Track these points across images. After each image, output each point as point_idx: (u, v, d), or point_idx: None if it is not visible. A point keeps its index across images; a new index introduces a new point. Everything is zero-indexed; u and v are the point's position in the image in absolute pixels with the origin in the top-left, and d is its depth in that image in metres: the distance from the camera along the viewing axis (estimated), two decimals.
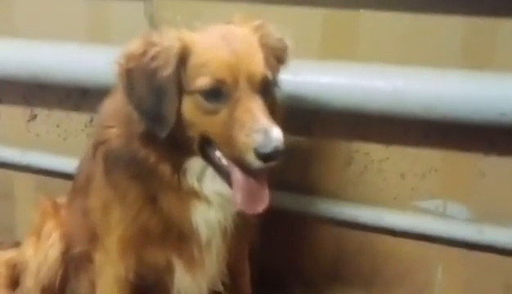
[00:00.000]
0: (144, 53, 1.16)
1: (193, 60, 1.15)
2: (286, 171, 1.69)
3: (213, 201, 1.26)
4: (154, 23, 1.75)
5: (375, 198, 1.65)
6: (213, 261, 1.36)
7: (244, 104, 1.12)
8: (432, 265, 1.64)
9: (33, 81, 1.92)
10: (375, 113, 1.54)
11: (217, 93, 1.13)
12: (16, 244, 1.80)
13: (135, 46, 1.18)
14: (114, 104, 1.26)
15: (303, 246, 1.76)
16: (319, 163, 1.70)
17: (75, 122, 1.99)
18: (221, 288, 1.43)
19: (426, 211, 1.60)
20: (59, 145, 2.03)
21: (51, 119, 2.03)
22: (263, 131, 1.08)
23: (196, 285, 1.38)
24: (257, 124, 1.09)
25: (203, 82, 1.13)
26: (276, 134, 1.09)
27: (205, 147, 1.19)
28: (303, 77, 1.56)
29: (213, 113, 1.14)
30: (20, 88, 2.02)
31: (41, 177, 2.06)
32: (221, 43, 1.16)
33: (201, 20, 1.22)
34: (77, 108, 1.97)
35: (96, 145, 1.35)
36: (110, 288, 1.39)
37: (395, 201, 1.64)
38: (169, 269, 1.36)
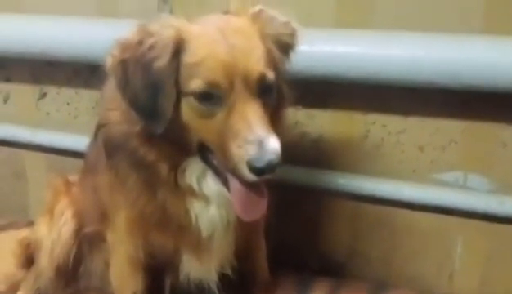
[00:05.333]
0: (140, 42, 1.09)
1: (187, 57, 1.09)
2: (301, 145, 1.68)
3: (213, 200, 1.23)
4: None
5: (393, 172, 1.61)
6: (217, 249, 1.34)
7: (240, 109, 1.06)
8: (452, 238, 1.60)
9: (42, 58, 1.88)
10: (392, 82, 1.48)
11: (210, 96, 1.07)
12: (30, 224, 1.80)
13: (130, 35, 1.12)
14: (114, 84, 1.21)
15: (319, 221, 1.74)
16: (335, 136, 1.66)
17: (85, 99, 1.96)
18: (229, 272, 1.43)
19: (446, 184, 1.56)
20: (69, 123, 2.00)
21: (60, 97, 2.00)
22: (258, 143, 1.02)
23: (204, 269, 1.38)
24: (251, 134, 1.03)
25: (195, 84, 1.07)
26: (272, 146, 1.03)
27: (204, 151, 1.15)
28: (318, 47, 1.51)
29: (208, 117, 1.09)
30: (29, 66, 1.98)
31: (52, 156, 2.05)
32: (217, 38, 1.09)
33: None
34: (86, 85, 1.93)
35: (98, 127, 1.32)
36: (123, 266, 1.39)
37: (414, 174, 1.59)
38: (176, 252, 1.35)
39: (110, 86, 1.22)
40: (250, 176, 1.04)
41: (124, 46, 1.11)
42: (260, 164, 1.02)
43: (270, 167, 1.02)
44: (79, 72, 1.93)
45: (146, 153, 1.17)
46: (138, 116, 1.12)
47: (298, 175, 1.67)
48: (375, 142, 1.62)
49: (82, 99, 1.97)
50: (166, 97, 1.09)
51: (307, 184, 1.68)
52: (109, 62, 1.13)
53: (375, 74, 1.48)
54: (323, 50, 1.51)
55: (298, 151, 1.66)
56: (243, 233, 1.37)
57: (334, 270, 1.71)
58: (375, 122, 1.61)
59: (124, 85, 1.11)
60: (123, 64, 1.10)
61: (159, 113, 1.10)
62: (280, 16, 1.19)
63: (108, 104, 1.25)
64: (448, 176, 1.56)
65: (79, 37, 1.79)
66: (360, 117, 1.62)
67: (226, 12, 1.21)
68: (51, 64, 1.94)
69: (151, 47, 1.08)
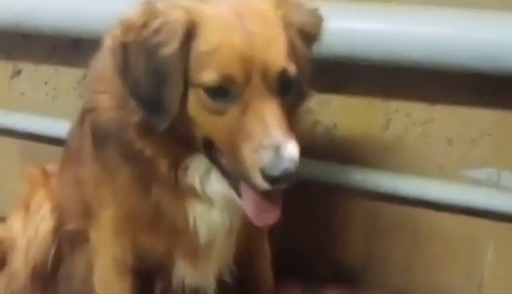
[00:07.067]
0: (145, 25, 1.03)
1: (200, 44, 1.02)
2: (314, 136, 1.61)
3: (217, 203, 1.18)
4: None
5: (417, 167, 1.54)
6: (216, 256, 1.30)
7: (255, 108, 1.00)
8: (482, 244, 1.54)
9: (16, 30, 1.82)
10: (417, 65, 1.41)
11: (224, 91, 1.01)
12: (1, 219, 1.68)
13: (134, 15, 1.05)
14: (106, 64, 1.12)
15: (331, 222, 1.68)
16: (352, 126, 1.59)
17: (65, 78, 1.88)
18: (228, 279, 1.39)
19: (476, 182, 1.49)
20: (47, 105, 1.93)
21: (37, 75, 1.93)
22: (274, 149, 0.96)
23: (200, 275, 1.33)
24: (267, 138, 0.97)
25: (208, 77, 1.01)
26: (290, 152, 0.96)
27: (211, 149, 1.09)
28: (334, 23, 1.33)
29: (219, 113, 1.03)
30: (1, 39, 1.91)
31: (27, 141, 1.98)
32: (234, 24, 1.02)
33: None
34: (67, 62, 1.85)
35: (84, 112, 1.26)
36: (109, 270, 1.32)
37: (440, 170, 1.53)
38: (169, 256, 1.30)
39: (100, 65, 1.17)
40: (263, 185, 0.98)
41: (126, 28, 1.05)
42: (275, 172, 0.96)
43: (286, 177, 0.96)
44: (59, 47, 1.86)
45: (144, 147, 1.10)
46: (140, 107, 1.06)
47: (309, 169, 1.57)
48: (397, 133, 1.55)
49: (61, 77, 1.90)
50: (172, 89, 1.03)
51: (318, 180, 1.61)
52: (108, 43, 1.08)
53: (397, 55, 1.40)
54: (339, 26, 1.40)
55: (310, 143, 1.54)
56: (245, 238, 1.33)
57: (347, 279, 1.66)
58: (397, 111, 1.54)
59: (124, 70, 1.05)
60: (125, 47, 1.04)
61: (163, 107, 1.04)
62: (306, 2, 1.14)
63: (96, 86, 1.18)
64: (479, 173, 1.50)
65: (59, 7, 1.71)
66: (380, 104, 1.55)
67: None
68: (26, 37, 1.88)
69: (157, 31, 1.02)
